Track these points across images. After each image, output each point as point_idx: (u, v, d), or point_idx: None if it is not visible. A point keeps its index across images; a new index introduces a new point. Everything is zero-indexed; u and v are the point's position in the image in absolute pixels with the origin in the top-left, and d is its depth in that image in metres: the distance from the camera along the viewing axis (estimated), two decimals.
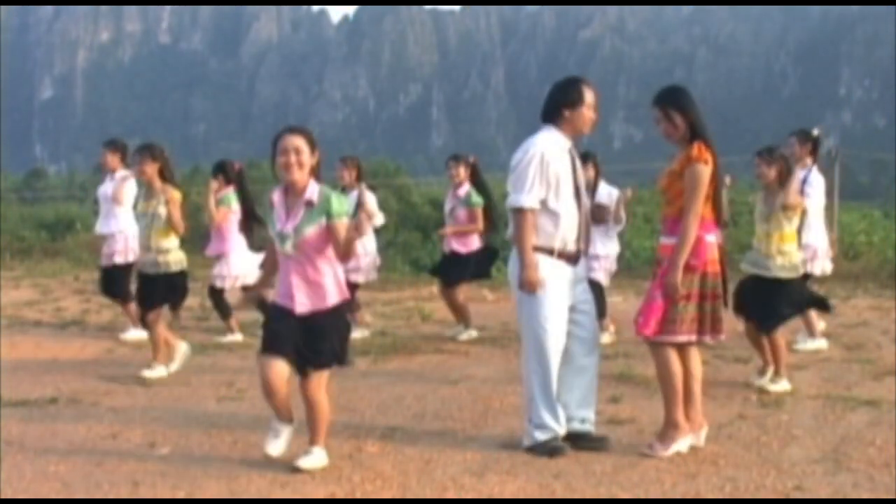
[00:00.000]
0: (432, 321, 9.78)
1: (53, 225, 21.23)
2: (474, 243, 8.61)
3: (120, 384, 6.84)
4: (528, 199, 4.93)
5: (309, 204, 4.51)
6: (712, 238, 4.95)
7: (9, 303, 11.03)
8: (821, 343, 7.85)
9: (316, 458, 4.73)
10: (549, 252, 4.99)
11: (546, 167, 4.93)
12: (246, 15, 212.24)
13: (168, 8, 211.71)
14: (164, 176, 7.07)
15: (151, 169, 7.03)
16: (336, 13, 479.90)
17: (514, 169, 5.02)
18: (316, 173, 4.61)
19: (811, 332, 7.83)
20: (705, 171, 4.82)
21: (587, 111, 5.04)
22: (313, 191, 4.53)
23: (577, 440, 5.06)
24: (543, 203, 4.96)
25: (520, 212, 4.95)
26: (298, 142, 4.52)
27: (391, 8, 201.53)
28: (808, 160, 7.76)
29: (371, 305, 11.02)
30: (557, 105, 5.04)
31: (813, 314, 7.72)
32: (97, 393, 6.56)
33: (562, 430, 5.04)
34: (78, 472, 4.78)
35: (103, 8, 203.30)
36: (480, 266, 8.74)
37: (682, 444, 4.95)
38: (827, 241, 8.17)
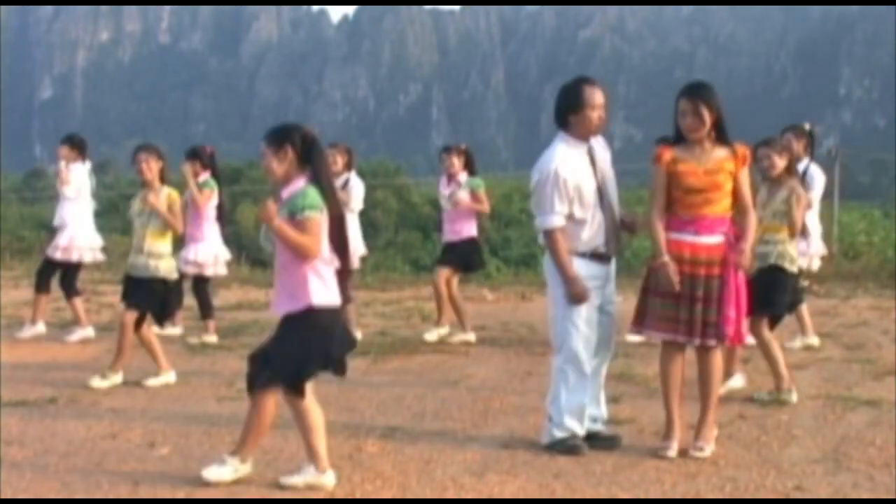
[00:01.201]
0: (432, 321, 9.76)
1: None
2: (466, 231, 8.40)
3: (120, 384, 6.83)
4: (554, 219, 4.97)
5: (280, 200, 4.41)
6: None
7: (9, 303, 11.02)
8: (812, 339, 7.82)
9: (215, 470, 4.52)
10: (582, 255, 5.03)
11: (564, 183, 4.95)
12: (246, 15, 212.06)
13: (168, 8, 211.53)
14: (162, 178, 7.04)
15: (156, 167, 6.99)
16: (336, 13, 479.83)
17: (535, 190, 5.06)
18: (304, 166, 4.38)
19: (802, 330, 7.83)
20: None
21: (591, 112, 5.00)
22: (290, 188, 4.38)
23: (589, 439, 5.08)
24: (570, 216, 4.98)
25: (550, 233, 5.00)
26: (263, 147, 4.40)
27: (391, 8, 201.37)
28: (805, 155, 7.78)
29: (371, 305, 11.01)
30: (562, 111, 5.06)
31: (805, 311, 7.74)
32: (97, 393, 6.55)
33: (581, 431, 5.05)
34: (78, 472, 4.78)
35: (103, 8, 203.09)
36: (469, 258, 8.50)
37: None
38: (820, 237, 8.20)
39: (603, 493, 4.40)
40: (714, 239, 4.90)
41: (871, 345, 8.09)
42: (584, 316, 4.99)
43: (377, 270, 15.40)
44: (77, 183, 8.96)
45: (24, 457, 5.04)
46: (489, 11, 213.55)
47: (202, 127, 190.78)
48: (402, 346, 8.17)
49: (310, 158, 4.39)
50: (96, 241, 9.12)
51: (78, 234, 8.92)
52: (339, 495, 4.40)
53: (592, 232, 5.03)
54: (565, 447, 4.98)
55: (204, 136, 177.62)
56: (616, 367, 7.02)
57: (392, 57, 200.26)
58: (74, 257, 8.94)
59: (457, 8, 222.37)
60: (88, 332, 8.80)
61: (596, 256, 5.05)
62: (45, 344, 8.61)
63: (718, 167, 4.90)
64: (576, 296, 4.96)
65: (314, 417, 4.46)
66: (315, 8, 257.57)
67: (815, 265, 8.23)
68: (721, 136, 4.92)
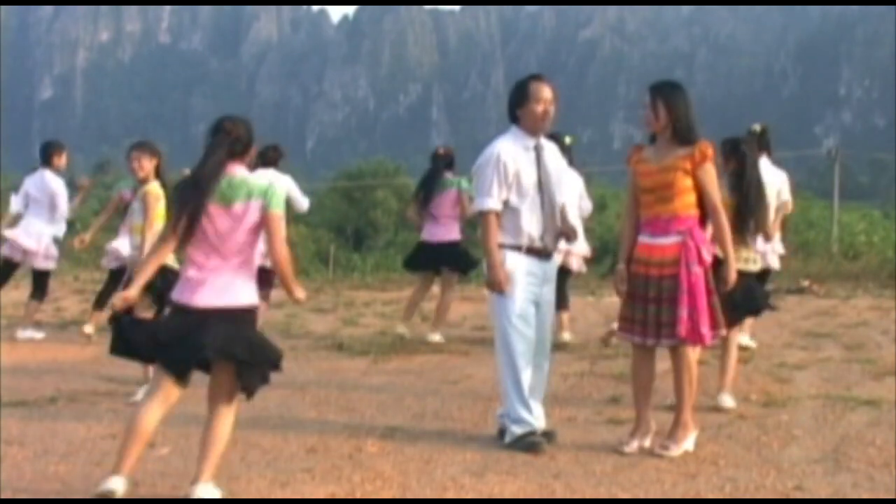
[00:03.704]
0: (432, 322, 9.77)
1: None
2: (452, 233, 8.52)
3: (120, 384, 6.83)
4: (489, 201, 5.06)
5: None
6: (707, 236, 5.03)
7: (9, 303, 11.02)
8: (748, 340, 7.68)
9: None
10: (518, 248, 5.09)
11: (504, 167, 5.04)
12: (246, 15, 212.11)
13: (168, 8, 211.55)
14: (158, 175, 6.98)
15: (149, 165, 6.94)
16: (336, 13, 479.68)
17: (475, 173, 5.19)
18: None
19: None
20: (714, 170, 4.94)
21: (536, 106, 5.09)
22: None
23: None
24: (506, 202, 5.07)
25: (484, 215, 5.09)
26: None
27: (391, 8, 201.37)
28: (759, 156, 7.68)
29: (371, 305, 11.02)
30: (510, 106, 5.21)
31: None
32: (97, 393, 6.55)
33: (537, 424, 5.10)
34: (78, 472, 4.77)
35: (103, 8, 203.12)
36: (454, 259, 8.57)
37: (691, 442, 5.00)
38: (777, 237, 7.82)
39: (603, 493, 4.40)
40: (667, 239, 4.92)
41: (871, 345, 8.08)
42: (518, 312, 5.05)
43: (377, 270, 15.40)
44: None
45: (24, 457, 5.04)
46: (489, 11, 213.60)
47: (202, 127, 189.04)
48: (402, 346, 8.17)
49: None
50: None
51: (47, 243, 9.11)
52: (340, 495, 4.40)
53: (527, 224, 5.08)
54: (525, 444, 5.02)
55: (204, 136, 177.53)
56: (616, 367, 7.04)
57: (392, 57, 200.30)
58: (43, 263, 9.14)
59: (457, 8, 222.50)
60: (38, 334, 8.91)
61: (532, 252, 5.09)
62: (45, 344, 8.61)
63: (672, 165, 4.92)
64: (495, 283, 5.02)
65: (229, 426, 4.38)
66: (315, 8, 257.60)
67: (775, 263, 7.92)
68: (681, 136, 4.91)
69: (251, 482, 4.56)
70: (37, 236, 9.03)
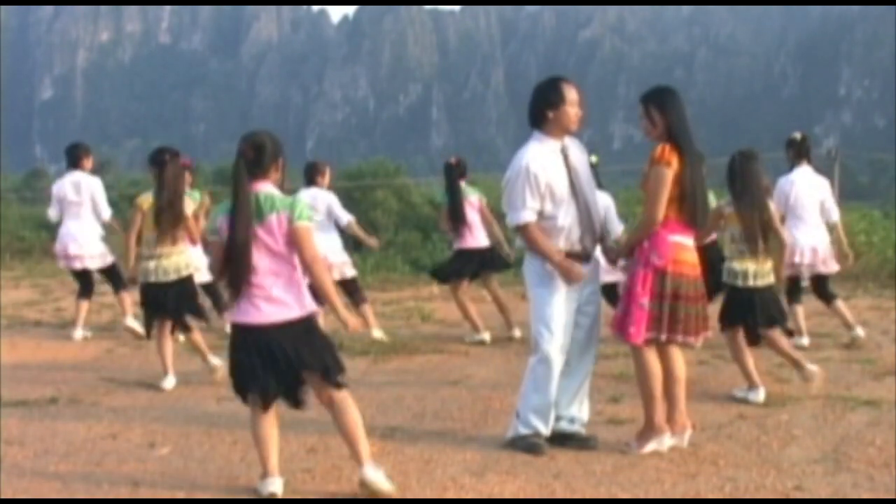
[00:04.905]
0: (432, 321, 9.79)
1: (53, 225, 21.16)
2: (484, 238, 8.62)
3: (120, 384, 6.84)
4: (525, 214, 4.99)
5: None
6: (677, 238, 4.93)
7: (9, 303, 11.04)
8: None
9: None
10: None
11: (534, 179, 4.95)
12: (246, 15, 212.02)
13: (168, 8, 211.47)
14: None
15: (188, 179, 7.03)
16: (336, 13, 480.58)
17: (506, 188, 5.09)
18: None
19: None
20: (666, 173, 4.82)
21: (570, 108, 5.02)
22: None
23: (564, 440, 5.10)
24: (541, 213, 5.00)
25: (524, 228, 5.02)
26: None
27: (391, 8, 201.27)
28: (796, 163, 7.73)
29: (371, 305, 11.00)
30: (540, 108, 5.06)
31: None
32: (97, 393, 6.56)
33: (545, 431, 5.07)
34: (78, 472, 4.78)
35: (103, 8, 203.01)
36: (492, 262, 8.77)
37: (658, 444, 4.97)
38: (809, 246, 7.92)
39: (603, 493, 4.40)
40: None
41: (871, 345, 8.08)
42: (559, 320, 4.99)
43: (377, 270, 15.37)
44: None
45: (24, 457, 5.05)
46: (489, 11, 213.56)
47: (202, 127, 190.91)
48: (402, 346, 8.17)
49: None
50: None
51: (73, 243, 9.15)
52: (340, 495, 4.40)
53: (565, 229, 5.02)
54: (525, 444, 5.01)
55: (204, 136, 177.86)
56: (616, 367, 7.03)
57: (392, 57, 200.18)
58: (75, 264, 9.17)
59: (457, 8, 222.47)
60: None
61: (571, 256, 5.02)
62: (45, 344, 8.62)
63: (643, 171, 4.99)
64: (570, 275, 4.98)
65: (356, 410, 4.44)
66: (315, 8, 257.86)
67: (805, 274, 7.97)
68: (674, 140, 4.89)
69: (251, 482, 4.56)
70: (83, 239, 8.98)
